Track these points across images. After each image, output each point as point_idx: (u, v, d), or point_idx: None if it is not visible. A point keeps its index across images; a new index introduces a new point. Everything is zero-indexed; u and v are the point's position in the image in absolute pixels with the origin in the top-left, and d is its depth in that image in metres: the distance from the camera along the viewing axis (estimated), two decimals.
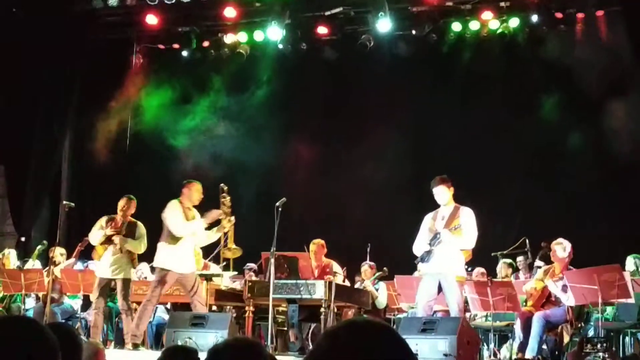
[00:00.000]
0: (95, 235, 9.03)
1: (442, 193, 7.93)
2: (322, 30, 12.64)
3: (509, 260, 10.00)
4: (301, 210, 11.48)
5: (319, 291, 8.11)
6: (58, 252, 10.47)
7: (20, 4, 12.57)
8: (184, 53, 13.22)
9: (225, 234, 8.51)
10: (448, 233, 7.75)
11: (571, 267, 8.53)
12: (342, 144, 12.54)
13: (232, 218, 8.49)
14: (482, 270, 9.75)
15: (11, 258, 10.85)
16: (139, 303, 9.05)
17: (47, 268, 9.91)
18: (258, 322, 9.11)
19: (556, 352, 8.82)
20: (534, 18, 11.70)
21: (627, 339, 8.52)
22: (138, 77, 13.44)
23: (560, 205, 11.18)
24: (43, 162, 12.89)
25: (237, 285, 9.78)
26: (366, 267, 10.33)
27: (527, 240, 9.65)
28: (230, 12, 12.61)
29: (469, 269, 9.03)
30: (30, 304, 10.61)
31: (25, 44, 12.40)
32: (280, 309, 9.02)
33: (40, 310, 9.82)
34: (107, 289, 9.05)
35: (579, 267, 8.38)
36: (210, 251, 9.30)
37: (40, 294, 10.19)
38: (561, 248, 8.57)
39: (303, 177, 12.25)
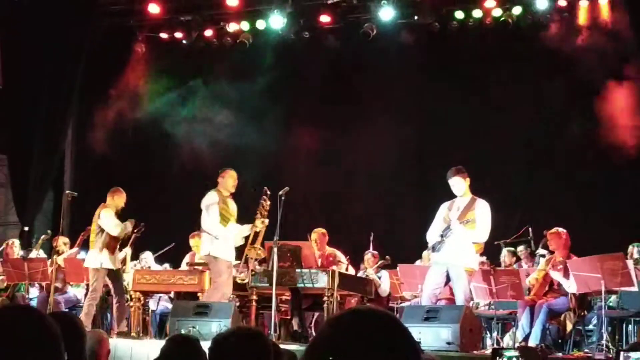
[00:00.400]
0: (119, 230, 9.05)
1: (458, 184, 7.91)
2: (324, 18, 12.60)
3: (512, 249, 9.99)
4: (303, 199, 11.48)
5: (322, 280, 8.12)
6: (61, 242, 10.48)
7: None
8: (186, 42, 13.19)
9: (257, 233, 8.50)
10: (460, 226, 7.73)
11: (574, 255, 8.52)
12: (344, 132, 12.51)
13: (266, 220, 8.50)
14: (483, 259, 9.73)
15: (15, 248, 10.87)
16: (142, 292, 9.09)
17: (51, 257, 9.93)
18: (261, 311, 9.12)
19: (559, 340, 8.82)
20: (537, 5, 11.66)
21: (630, 327, 8.52)
22: (140, 66, 13.43)
23: (563, 194, 11.16)
24: (46, 152, 12.88)
25: (243, 274, 9.77)
26: (369, 255, 10.34)
27: (530, 229, 9.63)
28: (232, 1, 12.58)
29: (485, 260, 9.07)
30: (34, 293, 10.62)
31: (28, 34, 12.39)
32: (284, 297, 9.02)
33: (44, 300, 9.85)
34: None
35: (582, 255, 8.37)
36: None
37: (44, 284, 10.21)
38: (556, 235, 8.57)
39: (305, 165, 12.24)
